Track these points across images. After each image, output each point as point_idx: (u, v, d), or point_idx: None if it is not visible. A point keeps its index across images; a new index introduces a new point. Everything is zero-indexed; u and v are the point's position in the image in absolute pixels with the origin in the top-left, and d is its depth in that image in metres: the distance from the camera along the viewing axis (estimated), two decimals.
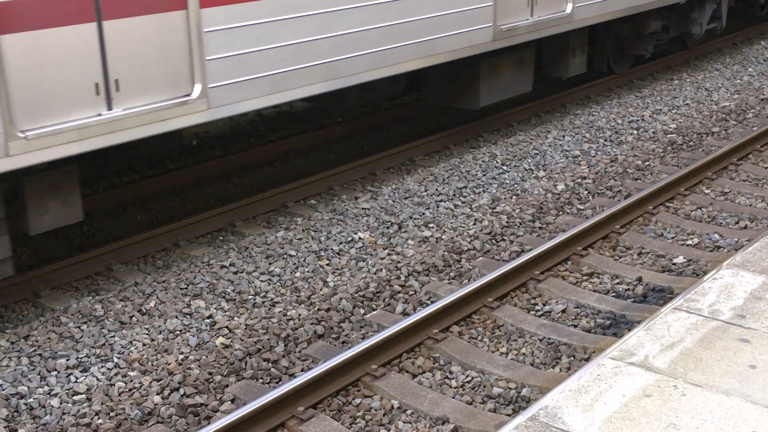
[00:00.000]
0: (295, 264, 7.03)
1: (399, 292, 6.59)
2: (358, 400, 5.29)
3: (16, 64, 5.46)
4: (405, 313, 6.27)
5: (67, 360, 5.71)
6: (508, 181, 8.84)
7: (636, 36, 12.03)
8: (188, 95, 6.42)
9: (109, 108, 5.96)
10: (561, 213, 8.13)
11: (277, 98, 7.07)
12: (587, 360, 5.66)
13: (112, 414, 5.17)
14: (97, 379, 5.52)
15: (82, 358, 5.76)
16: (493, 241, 7.48)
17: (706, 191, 8.55)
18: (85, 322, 6.20)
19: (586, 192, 8.59)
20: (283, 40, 6.98)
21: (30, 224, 6.11)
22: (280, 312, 6.29)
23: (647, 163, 9.41)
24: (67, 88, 5.72)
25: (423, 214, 8.02)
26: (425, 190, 8.58)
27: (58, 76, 5.67)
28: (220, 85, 6.59)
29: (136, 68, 6.06)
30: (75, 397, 5.34)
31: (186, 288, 6.68)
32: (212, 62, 6.49)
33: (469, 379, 5.51)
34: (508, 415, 5.10)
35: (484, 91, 9.57)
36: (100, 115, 5.89)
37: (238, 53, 6.68)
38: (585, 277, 6.84)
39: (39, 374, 5.58)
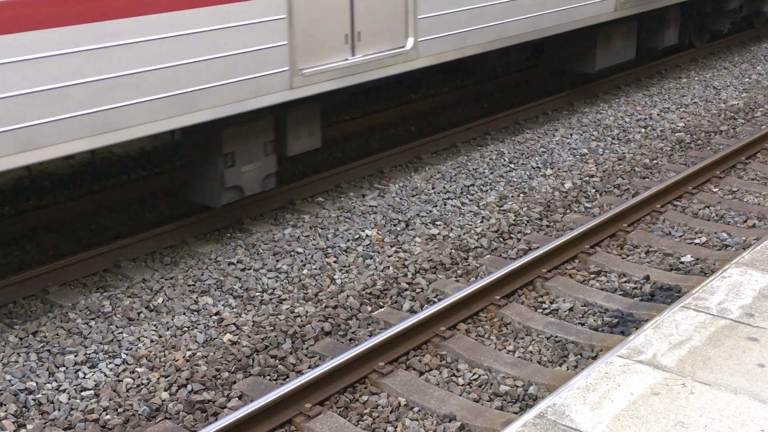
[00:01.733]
0: (302, 261, 7.04)
1: (406, 290, 6.59)
2: (365, 398, 5.30)
3: (299, 18, 6.96)
4: (412, 311, 6.28)
5: (75, 356, 5.73)
6: (515, 179, 8.83)
7: (717, 13, 13.30)
8: (403, 47, 7.91)
9: (353, 54, 7.48)
10: (568, 211, 8.12)
11: (460, 53, 8.52)
12: (594, 358, 5.65)
13: (119, 410, 5.19)
14: (105, 375, 5.54)
15: (90, 354, 5.77)
16: (501, 239, 7.47)
17: (714, 190, 8.53)
18: (93, 319, 6.21)
19: (594, 190, 8.58)
20: (466, 4, 8.41)
21: (288, 148, 7.65)
22: (287, 309, 6.30)
23: (655, 161, 9.39)
24: (327, 38, 7.23)
25: (430, 211, 8.02)
26: (432, 188, 8.58)
27: (323, 27, 7.18)
28: (426, 39, 8.07)
29: (371, 23, 7.57)
30: (83, 393, 5.36)
31: (193, 285, 6.69)
32: (422, 20, 7.98)
33: (476, 376, 5.51)
34: (516, 413, 5.10)
35: (600, 57, 11.02)
36: (346, 59, 7.41)
37: (439, 14, 8.13)
38: (592, 276, 6.83)
39: (47, 370, 5.60)
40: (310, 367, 5.61)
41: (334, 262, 7.04)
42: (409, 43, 7.91)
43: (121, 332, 6.03)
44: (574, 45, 11.03)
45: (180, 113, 6.30)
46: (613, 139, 10.12)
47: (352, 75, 7.46)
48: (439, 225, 7.73)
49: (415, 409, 5.20)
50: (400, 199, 8.31)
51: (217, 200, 7.21)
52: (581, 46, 11.01)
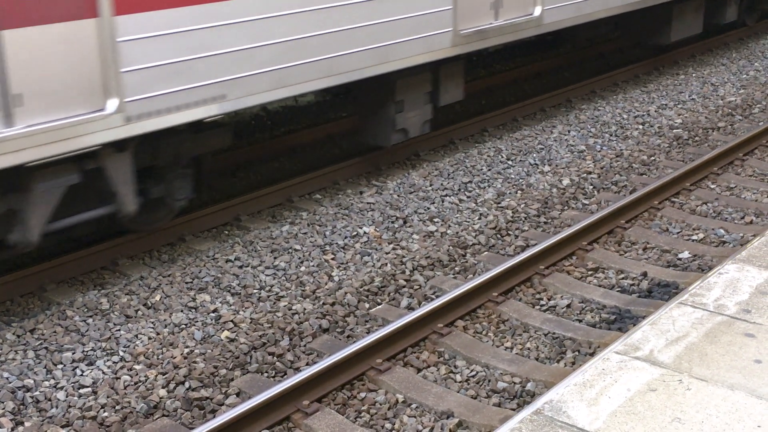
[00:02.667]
0: (300, 258, 7.04)
1: (404, 287, 6.59)
2: (363, 394, 5.30)
3: None
4: (410, 308, 6.28)
5: (73, 353, 5.73)
6: (513, 176, 8.84)
7: None
8: (532, 14, 9.34)
9: (496, 19, 8.95)
10: (566, 208, 8.12)
11: (573, 21, 10.01)
12: (592, 355, 5.66)
13: (117, 407, 5.19)
14: (103, 373, 5.54)
15: (87, 351, 5.78)
16: (498, 236, 7.48)
17: (712, 186, 8.54)
18: (90, 316, 6.21)
19: (592, 187, 8.58)
20: None
21: (440, 98, 9.00)
22: (285, 306, 6.30)
23: (653, 158, 9.40)
24: (478, 4, 8.64)
25: (428, 208, 8.02)
26: (430, 185, 8.58)
27: None
28: (550, 8, 9.54)
29: None
30: (81, 390, 5.36)
31: (191, 282, 6.69)
32: None
33: (473, 373, 5.52)
34: (513, 410, 5.11)
35: (674, 30, 12.42)
36: (491, 23, 8.86)
37: None
38: (590, 272, 6.84)
39: (45, 367, 5.60)
40: (307, 364, 5.61)
41: (332, 259, 7.05)
42: (537, 11, 9.31)
43: (119, 330, 6.03)
44: (652, 19, 12.43)
45: (378, 63, 7.75)
46: (611, 135, 10.13)
47: (495, 36, 8.92)
48: (437, 222, 7.74)
49: (413, 405, 5.20)
50: (398, 196, 8.32)
51: (387, 141, 8.70)
52: (658, 21, 12.40)
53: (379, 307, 6.31)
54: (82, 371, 5.57)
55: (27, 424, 5.06)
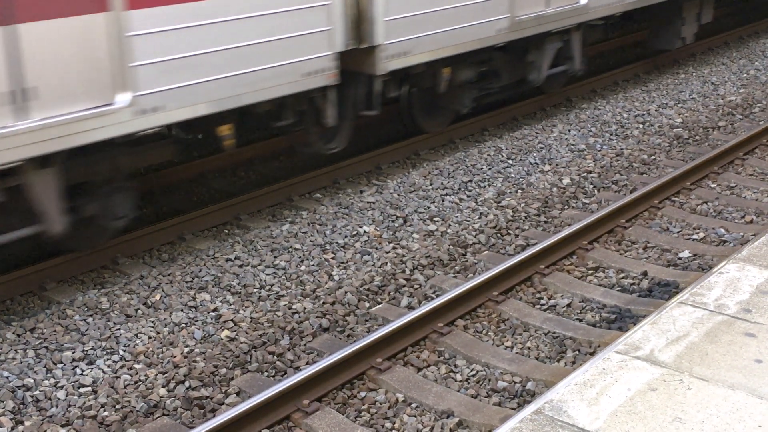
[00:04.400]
0: (300, 257, 7.04)
1: (404, 286, 6.59)
2: (363, 394, 5.30)
3: None
4: (410, 307, 6.28)
5: (73, 352, 5.73)
6: (513, 175, 8.83)
7: None
8: None
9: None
10: (566, 207, 8.12)
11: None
12: (592, 354, 5.66)
13: (117, 406, 5.18)
14: (103, 372, 5.54)
15: (87, 350, 5.77)
16: (499, 235, 7.47)
17: (712, 185, 8.53)
18: (90, 315, 6.21)
19: (592, 186, 8.58)
20: None
21: (702, 18, 13.09)
22: (285, 305, 6.30)
23: (653, 157, 9.39)
24: None
25: (428, 207, 8.02)
26: (430, 184, 8.58)
27: None
28: None
29: None
30: (81, 390, 5.36)
31: (191, 281, 6.68)
32: None
33: (474, 372, 5.51)
34: (513, 409, 5.10)
35: None
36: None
37: None
38: (590, 272, 6.83)
39: (45, 367, 5.60)
40: (308, 364, 5.61)
41: (332, 258, 7.04)
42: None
43: (119, 329, 6.03)
44: None
45: None
46: (611, 135, 10.12)
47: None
48: (437, 221, 7.73)
49: (413, 405, 5.20)
50: (398, 195, 8.31)
51: (673, 45, 12.59)
52: None
53: (380, 306, 6.30)
54: (82, 370, 5.56)
55: (27, 423, 5.05)
